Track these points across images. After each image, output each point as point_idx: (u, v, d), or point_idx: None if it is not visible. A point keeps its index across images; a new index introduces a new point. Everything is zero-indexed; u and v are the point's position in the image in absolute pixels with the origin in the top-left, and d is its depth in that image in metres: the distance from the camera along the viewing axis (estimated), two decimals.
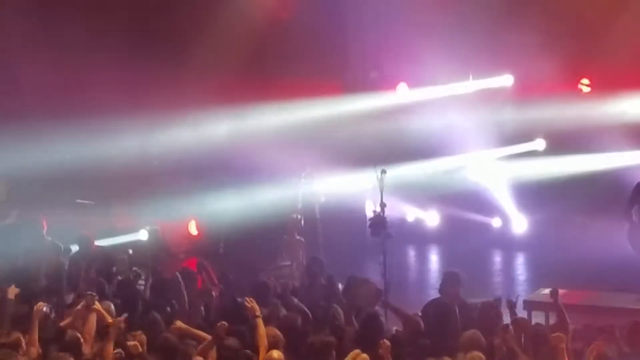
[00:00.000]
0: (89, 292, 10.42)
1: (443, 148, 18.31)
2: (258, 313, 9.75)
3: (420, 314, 10.92)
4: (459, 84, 19.13)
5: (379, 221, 13.51)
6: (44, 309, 9.82)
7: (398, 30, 18.96)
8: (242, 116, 18.78)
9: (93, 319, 9.94)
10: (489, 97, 19.07)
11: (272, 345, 9.39)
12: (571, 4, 18.20)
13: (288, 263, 15.54)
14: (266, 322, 9.84)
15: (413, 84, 19.33)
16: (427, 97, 18.99)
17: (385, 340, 9.19)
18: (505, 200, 18.53)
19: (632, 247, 13.76)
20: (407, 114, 18.58)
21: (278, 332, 9.66)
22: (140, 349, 9.51)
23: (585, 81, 18.87)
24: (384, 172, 13.43)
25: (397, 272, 13.54)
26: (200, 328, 10.16)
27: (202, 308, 11.37)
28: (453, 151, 18.46)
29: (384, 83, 19.64)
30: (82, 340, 9.55)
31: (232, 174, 18.42)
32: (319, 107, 18.58)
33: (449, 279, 11.73)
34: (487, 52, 18.39)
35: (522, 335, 9.98)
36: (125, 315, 10.09)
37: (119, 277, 13.28)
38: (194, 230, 18.72)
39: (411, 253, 18.25)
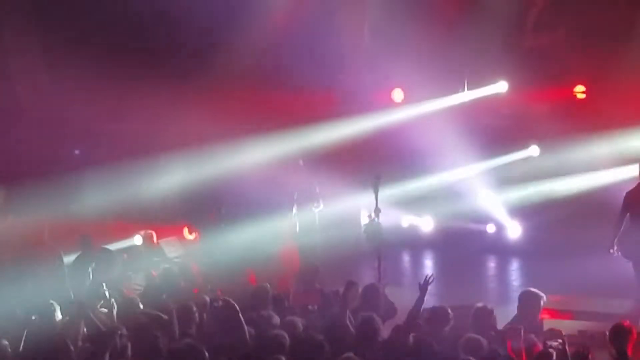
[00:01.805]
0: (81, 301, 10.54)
1: (439, 159, 18.33)
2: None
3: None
4: (453, 96, 19.23)
5: (374, 226, 13.56)
6: None
7: (393, 35, 19.01)
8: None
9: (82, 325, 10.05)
10: (484, 105, 19.16)
11: None
12: (568, 10, 18.31)
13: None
14: None
15: (408, 88, 19.41)
16: (423, 110, 19.08)
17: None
18: (500, 206, 18.57)
19: (623, 254, 13.82)
20: (404, 124, 18.68)
21: None
22: None
23: (580, 88, 18.94)
24: (378, 177, 13.48)
25: (392, 277, 13.62)
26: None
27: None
28: (450, 162, 18.48)
29: (379, 87, 19.73)
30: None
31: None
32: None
33: (529, 299, 11.53)
34: (482, 58, 18.47)
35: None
36: None
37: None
38: (189, 235, 18.71)
39: (406, 258, 18.27)
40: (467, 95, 19.21)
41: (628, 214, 13.73)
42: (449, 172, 18.67)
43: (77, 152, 20.28)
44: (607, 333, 9.84)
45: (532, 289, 11.63)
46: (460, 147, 18.13)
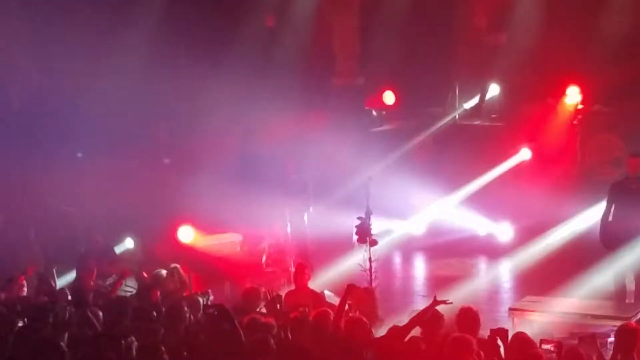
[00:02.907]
0: None
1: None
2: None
3: None
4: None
5: (365, 228, 13.57)
6: None
7: (385, 38, 19.08)
8: None
9: None
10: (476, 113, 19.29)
11: None
12: (559, 13, 18.37)
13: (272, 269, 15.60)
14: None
15: (399, 91, 19.45)
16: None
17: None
18: (491, 209, 18.54)
19: (606, 246, 13.89)
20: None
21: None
22: None
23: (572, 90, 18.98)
24: (370, 178, 13.51)
25: (383, 278, 13.64)
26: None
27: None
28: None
29: (371, 89, 19.79)
30: None
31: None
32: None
33: None
34: (473, 60, 18.51)
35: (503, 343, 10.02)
36: None
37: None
38: (183, 237, 18.54)
39: (397, 260, 18.25)
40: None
41: (613, 206, 13.79)
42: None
43: (79, 154, 20.27)
44: (613, 335, 9.69)
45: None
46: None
